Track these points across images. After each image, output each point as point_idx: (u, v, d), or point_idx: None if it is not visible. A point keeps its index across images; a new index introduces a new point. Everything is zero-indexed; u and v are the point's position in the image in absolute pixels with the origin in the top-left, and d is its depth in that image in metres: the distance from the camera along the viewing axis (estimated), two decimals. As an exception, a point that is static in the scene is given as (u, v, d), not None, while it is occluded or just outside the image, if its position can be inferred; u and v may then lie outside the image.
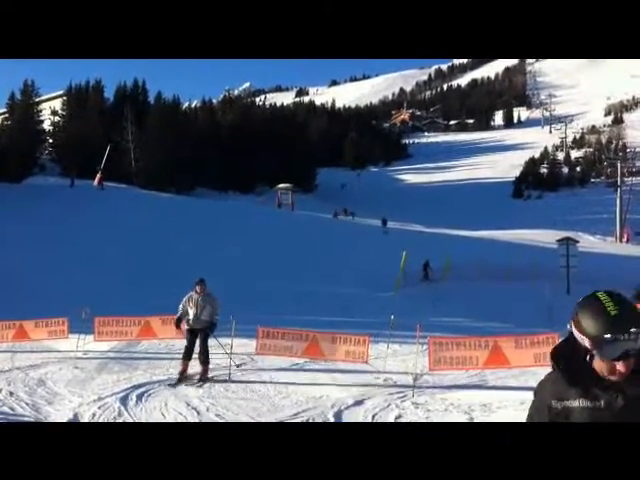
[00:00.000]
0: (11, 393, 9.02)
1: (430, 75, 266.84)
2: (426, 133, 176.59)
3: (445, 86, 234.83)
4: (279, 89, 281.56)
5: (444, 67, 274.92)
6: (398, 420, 7.78)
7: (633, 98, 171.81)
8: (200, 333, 10.42)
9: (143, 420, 7.74)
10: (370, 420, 7.81)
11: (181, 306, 10.66)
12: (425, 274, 30.21)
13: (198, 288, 10.55)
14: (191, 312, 10.43)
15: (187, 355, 10.35)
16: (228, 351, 10.89)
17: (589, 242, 50.69)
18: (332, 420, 7.82)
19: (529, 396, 8.46)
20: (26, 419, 7.73)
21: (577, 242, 30.23)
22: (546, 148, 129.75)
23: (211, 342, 12.87)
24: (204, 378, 10.12)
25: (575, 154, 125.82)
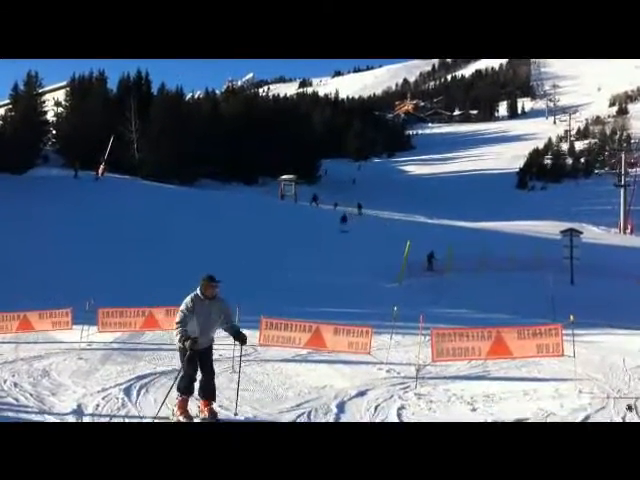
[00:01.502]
0: (15, 384, 9.06)
1: (434, 66, 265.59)
2: (430, 124, 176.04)
3: (449, 77, 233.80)
4: (282, 80, 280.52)
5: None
6: (401, 411, 7.80)
7: (638, 89, 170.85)
8: (203, 356, 7.40)
9: (146, 411, 7.77)
10: (373, 411, 7.83)
11: (181, 317, 7.21)
12: (429, 264, 30.33)
13: (209, 290, 7.25)
14: (196, 325, 7.19)
15: (189, 387, 7.33)
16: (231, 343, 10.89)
17: (593, 233, 50.62)
18: (335, 410, 7.84)
19: (532, 386, 8.49)
20: (30, 410, 7.77)
21: (581, 233, 30.23)
22: (550, 139, 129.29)
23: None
24: (214, 419, 7.34)
25: (579, 145, 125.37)
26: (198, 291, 7.31)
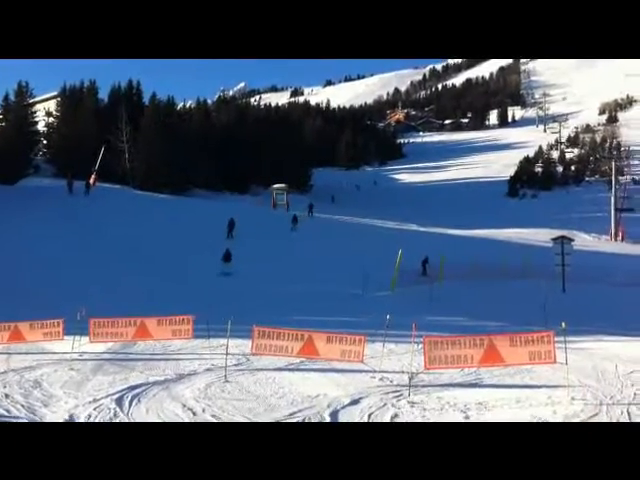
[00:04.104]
0: (6, 395, 8.99)
1: (425, 75, 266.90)
2: (421, 133, 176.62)
3: (440, 86, 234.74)
4: (274, 89, 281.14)
5: (438, 67, 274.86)
6: (394, 419, 7.79)
7: (627, 97, 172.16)
8: None
9: (138, 421, 7.72)
10: (366, 419, 7.81)
11: None
12: (424, 270, 30.56)
13: None
14: None
15: None
16: (224, 352, 10.86)
17: (584, 240, 50.84)
18: (328, 420, 7.82)
19: (524, 394, 8.48)
20: (22, 421, 7.70)
21: (572, 240, 30.30)
22: (540, 147, 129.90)
23: (207, 343, 12.86)
24: None
25: (570, 153, 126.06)
26: None
